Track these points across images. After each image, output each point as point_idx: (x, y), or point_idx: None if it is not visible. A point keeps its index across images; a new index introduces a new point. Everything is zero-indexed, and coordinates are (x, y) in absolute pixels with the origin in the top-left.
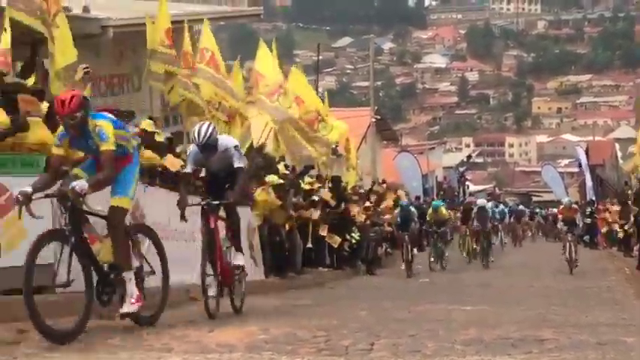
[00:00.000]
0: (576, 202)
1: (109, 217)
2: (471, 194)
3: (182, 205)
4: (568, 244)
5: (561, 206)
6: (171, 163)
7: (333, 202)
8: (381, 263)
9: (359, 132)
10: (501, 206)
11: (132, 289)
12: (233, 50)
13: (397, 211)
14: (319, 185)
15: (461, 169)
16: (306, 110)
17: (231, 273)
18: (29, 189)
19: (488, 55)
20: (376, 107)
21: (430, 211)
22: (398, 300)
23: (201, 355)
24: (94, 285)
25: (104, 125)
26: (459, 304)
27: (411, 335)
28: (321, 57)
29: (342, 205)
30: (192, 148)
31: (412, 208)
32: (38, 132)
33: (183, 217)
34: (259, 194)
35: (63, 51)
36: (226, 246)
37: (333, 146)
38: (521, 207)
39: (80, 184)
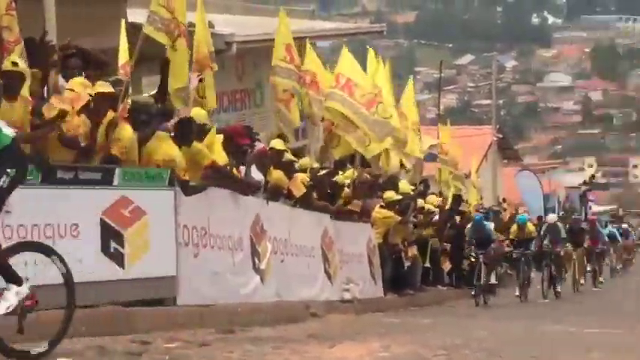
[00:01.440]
0: None
1: None
2: (593, 214)
3: None
4: None
5: None
6: (297, 187)
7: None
8: (502, 283)
9: (480, 151)
10: (609, 227)
11: None
12: None
13: (469, 225)
14: (439, 202)
15: (583, 189)
16: (362, 93)
17: None
18: None
19: (613, 75)
20: (498, 126)
21: (514, 227)
22: (519, 320)
23: None
24: None
25: None
26: (584, 326)
27: (533, 357)
28: (442, 74)
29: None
30: None
31: (488, 224)
32: (165, 148)
33: None
34: (378, 211)
35: (177, 74)
36: None
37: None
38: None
39: None
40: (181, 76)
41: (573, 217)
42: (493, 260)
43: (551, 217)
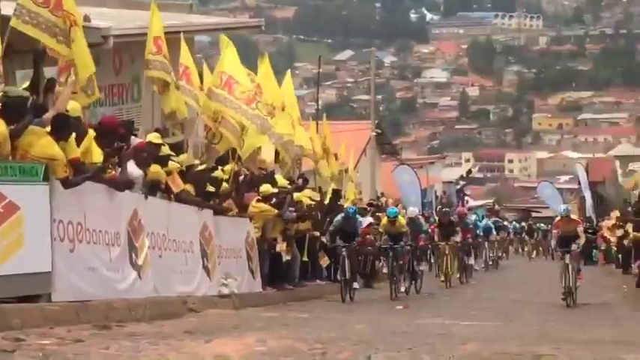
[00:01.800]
0: None
1: None
2: (470, 209)
3: None
4: (565, 269)
5: (557, 218)
6: (176, 182)
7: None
8: (379, 277)
9: (359, 145)
10: (485, 220)
11: None
12: None
13: (339, 217)
14: (316, 196)
15: (461, 184)
16: (242, 90)
17: None
18: None
19: (489, 71)
20: (376, 121)
21: (384, 220)
22: (397, 313)
23: None
24: None
25: None
26: (459, 319)
27: (409, 349)
28: (321, 70)
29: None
30: None
31: (360, 218)
32: (44, 145)
33: None
34: (255, 205)
35: (83, 64)
36: None
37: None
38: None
39: None
40: (88, 62)
41: (443, 210)
42: (356, 253)
43: (411, 211)
